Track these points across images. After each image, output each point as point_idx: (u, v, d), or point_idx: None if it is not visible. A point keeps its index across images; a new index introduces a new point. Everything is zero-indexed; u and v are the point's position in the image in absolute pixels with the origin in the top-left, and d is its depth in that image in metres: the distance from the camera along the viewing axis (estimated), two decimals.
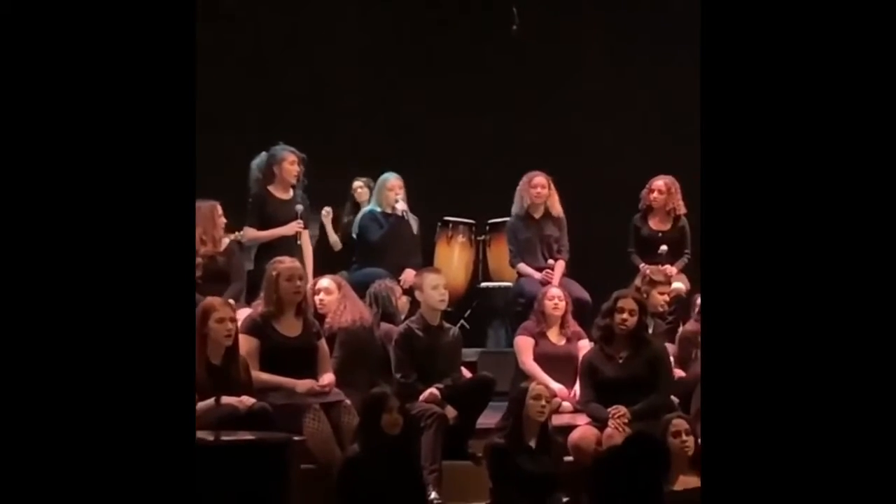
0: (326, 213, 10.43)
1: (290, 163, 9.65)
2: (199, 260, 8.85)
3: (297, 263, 8.21)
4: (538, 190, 10.01)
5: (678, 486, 7.25)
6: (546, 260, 9.99)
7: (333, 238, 10.44)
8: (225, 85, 10.75)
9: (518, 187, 10.10)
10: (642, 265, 9.83)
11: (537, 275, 9.89)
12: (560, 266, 9.97)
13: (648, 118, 11.50)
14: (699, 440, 7.28)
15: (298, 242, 9.59)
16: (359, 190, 10.63)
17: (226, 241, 9.23)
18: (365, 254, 9.99)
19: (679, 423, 7.36)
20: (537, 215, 10.08)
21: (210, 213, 9.07)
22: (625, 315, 8.15)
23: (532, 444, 7.57)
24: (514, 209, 10.14)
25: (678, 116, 11.03)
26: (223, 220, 9.17)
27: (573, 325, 9.21)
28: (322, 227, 10.46)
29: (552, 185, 10.07)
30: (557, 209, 10.10)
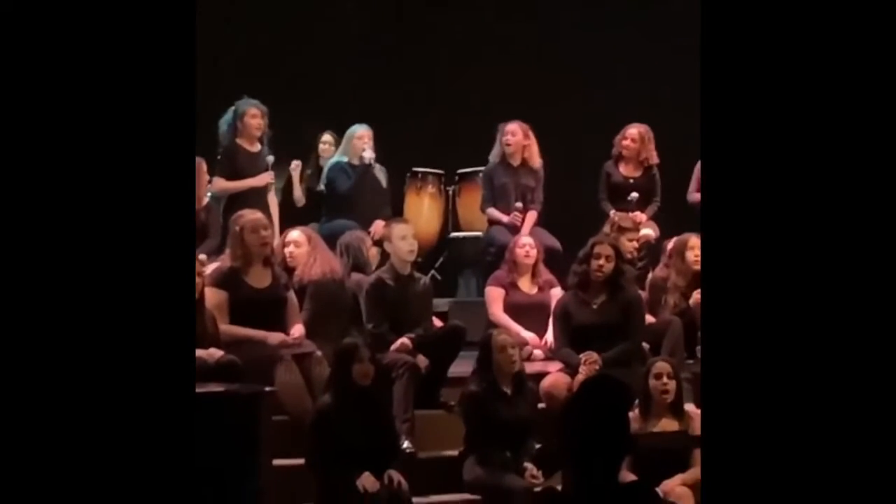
0: (295, 166, 10.40)
1: (252, 116, 9.66)
2: None
3: (259, 214, 8.17)
4: (508, 137, 9.99)
5: (658, 428, 7.29)
6: (516, 203, 9.95)
7: (297, 193, 10.41)
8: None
9: (497, 134, 10.08)
10: (611, 212, 9.82)
11: (505, 218, 9.86)
12: (531, 216, 9.95)
13: (624, 67, 11.45)
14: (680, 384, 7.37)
15: (270, 192, 9.57)
16: (325, 145, 10.59)
17: (206, 198, 9.20)
18: (334, 205, 9.97)
19: (661, 366, 7.41)
20: (514, 163, 10.05)
21: (196, 168, 9.03)
22: (601, 261, 8.15)
23: (507, 390, 7.58)
24: (492, 155, 10.12)
25: (654, 65, 11.04)
26: (206, 176, 9.15)
27: (545, 274, 9.21)
28: (288, 181, 10.42)
29: (531, 136, 10.04)
30: (536, 161, 10.07)
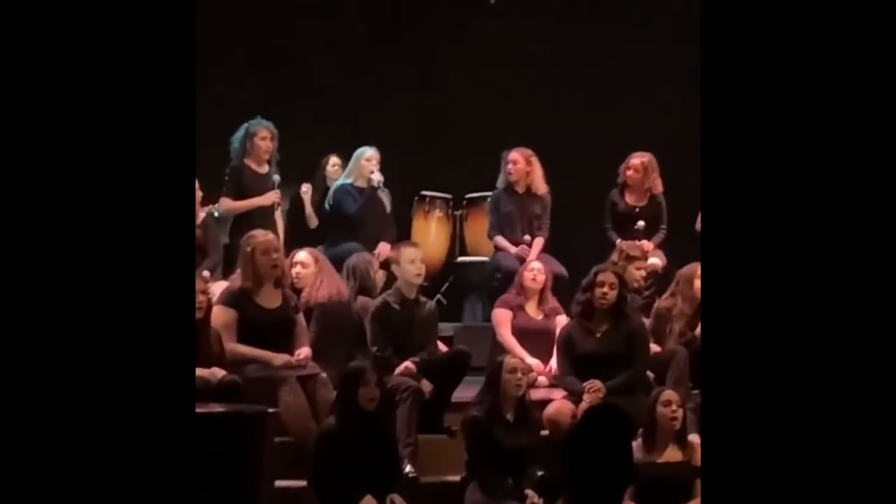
0: (306, 189, 10.39)
1: (262, 138, 9.66)
2: None
3: (271, 236, 8.19)
4: (510, 166, 10.03)
5: (662, 459, 7.29)
6: (524, 236, 9.98)
7: (310, 214, 10.40)
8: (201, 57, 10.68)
9: (501, 161, 10.11)
10: (618, 240, 9.83)
11: (513, 249, 9.89)
12: (538, 243, 9.97)
13: (630, 94, 11.46)
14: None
15: (276, 212, 9.58)
16: (334, 167, 10.59)
17: (201, 214, 9.20)
18: (339, 227, 9.96)
19: (670, 394, 7.40)
20: (520, 190, 10.08)
21: None
22: (605, 289, 8.16)
23: (510, 417, 7.58)
24: (499, 182, 10.15)
25: (659, 93, 11.06)
26: (199, 193, 9.13)
27: (551, 301, 9.22)
28: (293, 203, 10.42)
29: (535, 162, 10.06)
30: (540, 187, 10.09)
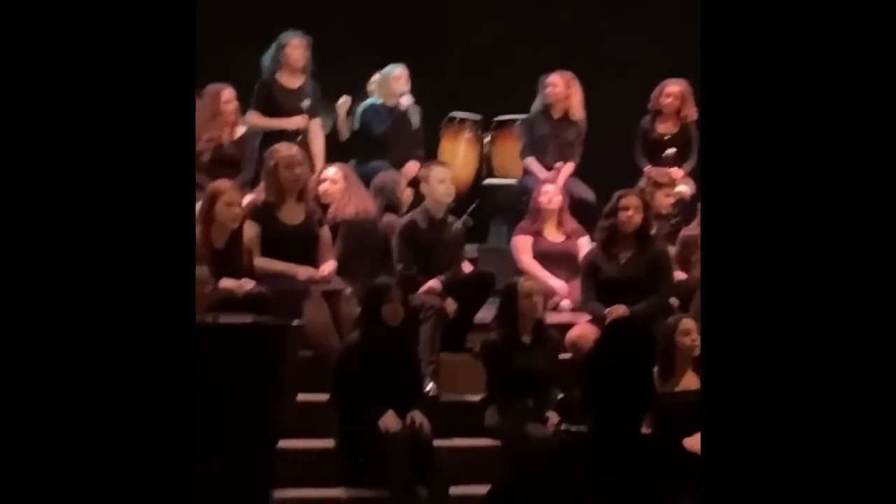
0: (343, 101, 10.29)
1: (295, 47, 9.53)
2: (202, 147, 8.83)
3: (294, 150, 8.16)
4: (549, 89, 9.97)
5: (680, 387, 7.30)
6: (556, 161, 9.95)
7: (341, 127, 10.36)
8: None
9: (539, 84, 10.05)
10: (647, 167, 9.79)
11: (543, 173, 9.86)
12: (568, 167, 9.94)
13: (668, 18, 11.34)
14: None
15: (299, 139, 9.50)
16: (373, 85, 10.53)
17: (241, 129, 9.17)
18: (367, 146, 9.93)
19: (688, 322, 7.39)
20: (556, 115, 10.04)
21: (212, 100, 8.98)
22: (629, 212, 8.15)
23: (526, 340, 7.60)
24: (535, 104, 10.10)
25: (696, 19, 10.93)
26: (232, 105, 9.09)
27: (571, 222, 9.21)
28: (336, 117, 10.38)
29: (574, 86, 10.00)
30: (578, 113, 10.04)
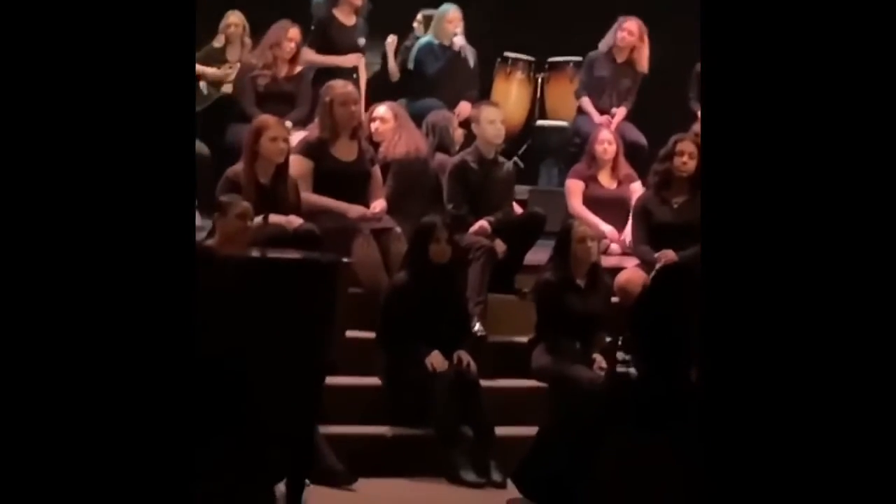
0: (391, 41, 10.32)
1: None
2: (258, 73, 8.93)
3: (350, 87, 8.17)
4: (624, 34, 9.93)
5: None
6: (610, 105, 9.91)
7: (392, 68, 10.37)
8: None
9: (613, 25, 9.99)
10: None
11: (597, 116, 9.82)
12: (622, 112, 9.92)
13: None
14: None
15: (355, 76, 9.53)
16: (417, 24, 10.53)
17: (299, 67, 9.20)
18: (421, 85, 9.93)
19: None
20: (619, 59, 10.00)
21: (277, 32, 9.07)
22: (684, 158, 8.14)
23: (581, 283, 7.59)
24: (601, 45, 10.05)
25: None
26: (292, 43, 9.13)
27: (625, 168, 9.18)
28: (384, 56, 10.38)
29: (645, 37, 9.95)
30: (643, 63, 10.00)
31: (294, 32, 9.13)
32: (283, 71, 9.08)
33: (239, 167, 7.41)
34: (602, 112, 9.87)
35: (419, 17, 10.55)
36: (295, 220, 7.28)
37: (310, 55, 9.56)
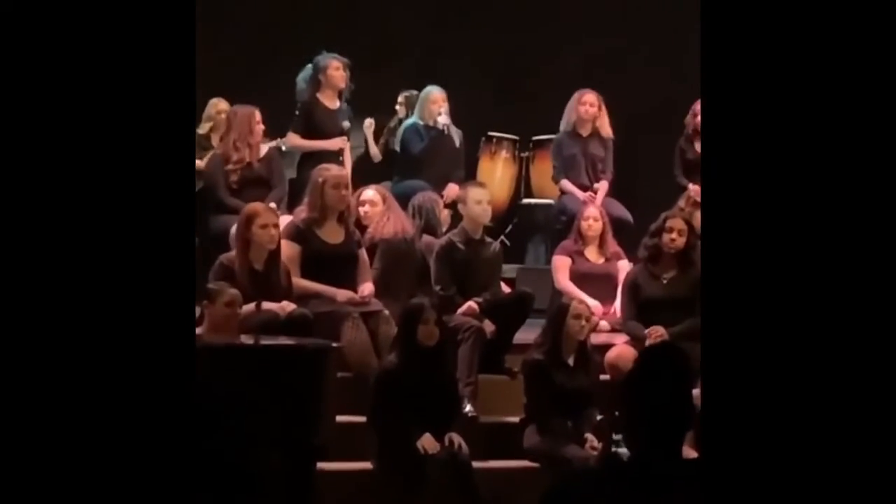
0: (369, 124, 10.41)
1: (335, 68, 9.66)
2: (232, 167, 8.90)
3: (344, 172, 8.28)
4: (586, 108, 9.96)
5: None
6: (590, 179, 9.95)
7: (374, 150, 10.44)
8: None
9: (568, 103, 10.05)
10: (689, 185, 9.78)
11: (580, 193, 9.85)
12: (603, 187, 9.94)
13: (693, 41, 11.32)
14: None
15: (341, 159, 9.56)
16: (399, 105, 10.59)
17: (265, 147, 9.20)
18: (406, 166, 9.97)
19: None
20: (584, 133, 10.02)
21: (247, 118, 9.04)
22: (674, 235, 8.18)
23: (570, 361, 7.58)
24: (562, 125, 10.10)
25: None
26: (260, 126, 9.13)
27: (612, 245, 9.21)
28: (366, 139, 10.44)
29: (602, 105, 10.01)
30: (606, 130, 10.04)
31: (258, 115, 9.08)
32: (253, 156, 9.05)
33: (232, 254, 7.44)
34: (584, 189, 9.90)
35: (401, 98, 10.62)
36: (288, 306, 7.28)
37: (295, 140, 9.60)
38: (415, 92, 10.40)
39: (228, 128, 9.13)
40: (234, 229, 7.73)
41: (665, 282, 8.20)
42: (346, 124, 9.68)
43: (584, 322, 7.62)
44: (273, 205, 8.32)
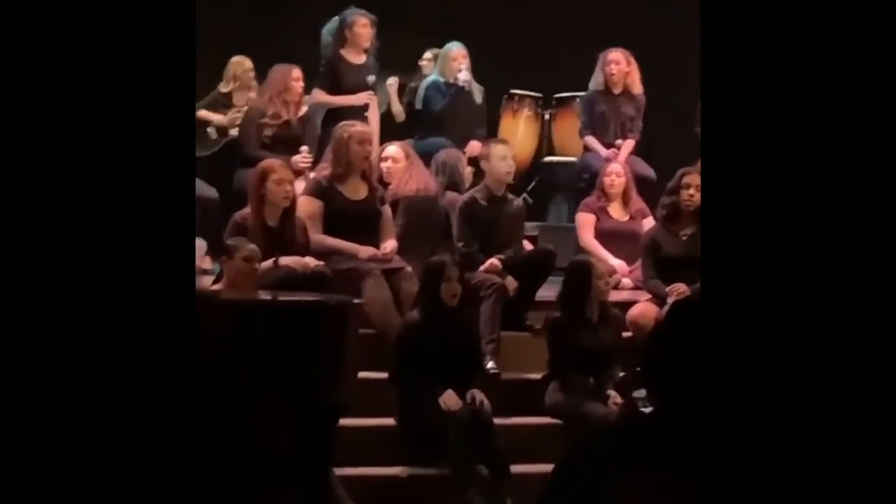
0: (392, 82, 10.37)
1: (362, 25, 9.62)
2: (267, 121, 8.93)
3: (367, 127, 8.27)
4: (611, 67, 9.90)
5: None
6: (616, 138, 9.90)
7: (397, 108, 10.40)
8: None
9: (598, 64, 9.99)
10: None
11: (604, 151, 9.80)
12: (628, 145, 9.88)
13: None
14: None
15: (366, 114, 9.54)
16: (425, 62, 10.56)
17: (304, 108, 9.21)
18: (428, 124, 9.94)
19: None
20: (616, 91, 9.96)
21: (282, 77, 9.07)
22: (691, 191, 8.15)
23: (593, 318, 7.57)
24: (592, 82, 10.04)
25: None
26: (300, 84, 9.13)
27: (637, 202, 9.18)
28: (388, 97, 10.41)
29: (633, 63, 9.94)
30: (637, 88, 9.97)
31: (297, 73, 9.12)
32: (291, 114, 9.07)
33: (246, 211, 7.42)
34: (609, 147, 9.85)
35: (427, 55, 10.58)
36: (310, 262, 7.27)
37: (320, 96, 9.58)
38: (433, 52, 10.37)
39: (266, 84, 9.17)
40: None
41: (684, 238, 8.18)
42: (372, 78, 9.65)
43: (607, 280, 7.64)
44: (302, 155, 8.33)
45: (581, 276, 7.60)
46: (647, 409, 3.92)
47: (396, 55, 10.33)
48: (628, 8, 11.42)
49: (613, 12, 11.36)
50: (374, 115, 9.71)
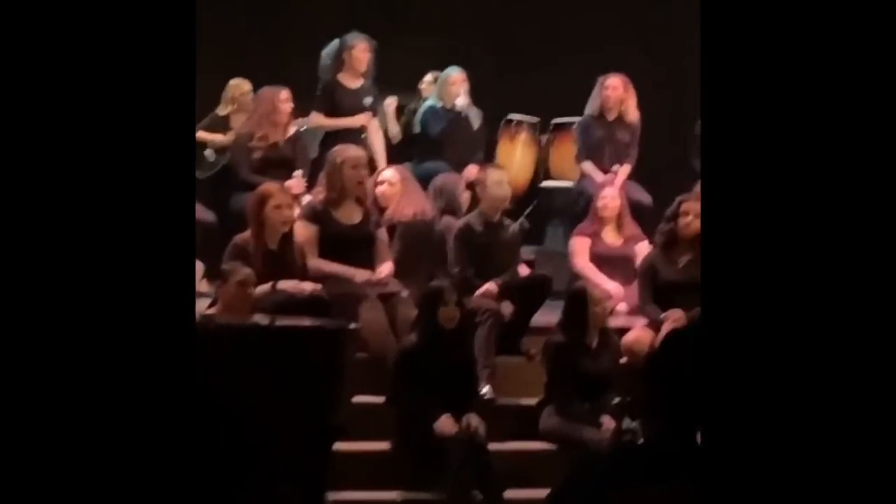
0: (390, 102, 10.38)
1: (361, 50, 9.63)
2: (255, 144, 8.94)
3: (361, 152, 8.23)
4: (609, 92, 9.91)
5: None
6: (612, 164, 9.91)
7: (394, 130, 10.41)
8: None
9: (594, 88, 10.02)
10: None
11: (600, 176, 9.82)
12: (624, 170, 9.89)
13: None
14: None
15: (363, 136, 9.56)
16: (425, 85, 10.58)
17: (293, 128, 9.23)
18: (425, 148, 9.96)
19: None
20: (610, 117, 9.97)
21: (270, 98, 9.09)
22: (689, 218, 8.16)
23: (592, 343, 7.58)
24: (588, 108, 10.06)
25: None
26: (288, 105, 9.15)
27: (632, 228, 9.18)
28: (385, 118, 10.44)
29: (630, 89, 9.96)
30: (633, 114, 9.98)
31: (285, 94, 9.14)
32: (279, 136, 9.09)
33: (247, 234, 7.43)
34: (605, 172, 9.87)
35: (427, 77, 10.60)
36: (307, 286, 7.28)
37: (318, 119, 9.60)
38: (434, 75, 10.39)
39: (254, 106, 9.20)
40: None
41: (681, 265, 8.19)
42: (369, 100, 9.66)
43: (605, 305, 7.67)
44: (295, 179, 8.34)
45: (579, 302, 7.61)
46: (636, 434, 3.94)
47: (397, 75, 10.35)
48: (625, 32, 11.46)
49: (609, 39, 11.39)
50: (377, 138, 9.72)
